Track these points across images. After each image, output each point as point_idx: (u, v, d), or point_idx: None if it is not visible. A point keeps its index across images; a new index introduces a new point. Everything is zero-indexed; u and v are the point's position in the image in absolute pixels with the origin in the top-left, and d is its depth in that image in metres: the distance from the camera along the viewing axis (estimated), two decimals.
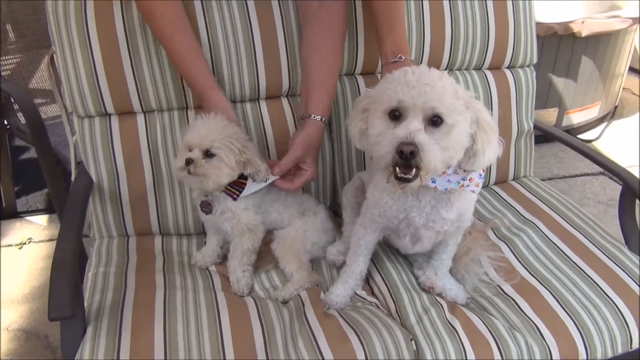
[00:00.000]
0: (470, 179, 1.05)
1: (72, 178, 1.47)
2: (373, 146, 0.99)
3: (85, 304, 1.13)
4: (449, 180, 1.04)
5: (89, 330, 1.06)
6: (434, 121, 0.95)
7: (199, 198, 1.30)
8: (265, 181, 1.28)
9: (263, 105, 1.46)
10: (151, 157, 1.39)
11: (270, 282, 1.32)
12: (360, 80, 1.52)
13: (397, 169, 0.94)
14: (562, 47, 2.83)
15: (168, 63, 1.34)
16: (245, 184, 1.26)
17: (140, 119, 1.39)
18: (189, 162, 1.19)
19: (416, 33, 1.48)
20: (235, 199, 1.25)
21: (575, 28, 2.75)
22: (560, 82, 2.95)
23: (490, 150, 1.01)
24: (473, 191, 1.08)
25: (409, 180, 0.94)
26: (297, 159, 1.31)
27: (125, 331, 1.06)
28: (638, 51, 3.73)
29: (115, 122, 1.37)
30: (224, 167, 1.19)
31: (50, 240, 2.35)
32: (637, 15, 2.90)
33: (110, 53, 1.31)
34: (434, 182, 1.04)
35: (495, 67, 1.61)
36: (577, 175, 2.88)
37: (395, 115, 0.96)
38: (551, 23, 2.71)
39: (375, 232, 1.22)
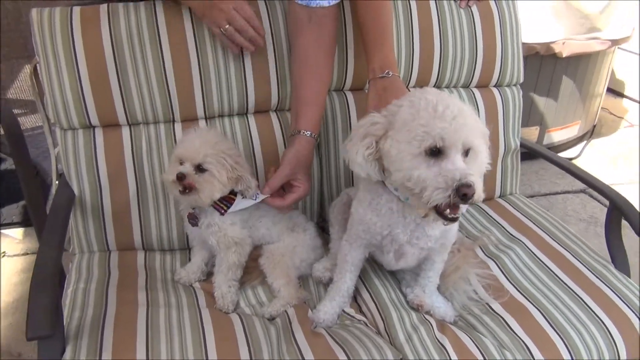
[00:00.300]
0: None
1: (53, 190, 1.43)
2: (407, 182, 0.96)
3: (64, 322, 1.09)
4: None
5: (68, 350, 1.02)
6: (466, 152, 0.95)
7: (185, 210, 1.28)
8: (255, 199, 1.26)
9: (251, 119, 1.45)
10: (136, 171, 1.36)
11: (257, 298, 1.30)
12: (350, 96, 1.51)
13: (448, 210, 0.93)
14: (543, 67, 2.88)
15: (155, 75, 1.32)
16: (234, 200, 1.24)
17: (125, 131, 1.36)
18: (180, 177, 1.16)
19: (405, 50, 1.49)
20: (222, 214, 1.23)
21: (557, 48, 2.80)
22: (541, 101, 2.99)
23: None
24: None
25: (457, 219, 0.95)
26: (286, 176, 1.29)
27: (105, 351, 1.03)
28: (615, 73, 3.83)
29: (99, 134, 1.34)
30: (216, 182, 1.17)
31: (25, 254, 2.29)
32: (616, 37, 2.96)
33: (96, 64, 1.29)
34: None
35: (482, 85, 1.62)
36: (557, 193, 2.91)
37: (433, 151, 0.94)
38: (533, 43, 2.75)
39: (360, 248, 1.20)
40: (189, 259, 1.39)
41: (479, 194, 0.92)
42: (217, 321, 1.14)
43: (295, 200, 1.31)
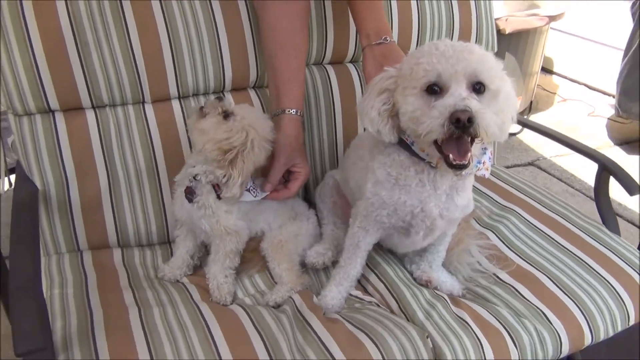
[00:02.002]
0: (483, 163, 1.00)
1: (2, 188, 1.25)
2: (409, 124, 0.91)
3: None
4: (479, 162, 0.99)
5: None
6: (477, 89, 0.88)
7: (182, 182, 1.15)
8: (256, 196, 1.17)
9: (228, 96, 1.33)
10: (105, 158, 1.22)
11: (255, 287, 1.20)
12: (330, 69, 1.43)
13: (450, 156, 0.87)
14: None
15: (121, 52, 1.18)
16: None
17: (90, 115, 1.21)
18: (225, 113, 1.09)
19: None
20: (219, 198, 1.11)
21: (501, 25, 2.85)
22: None
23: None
24: (484, 175, 1.02)
25: (465, 167, 0.88)
26: (283, 166, 1.21)
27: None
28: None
29: (60, 119, 1.19)
30: (251, 165, 1.08)
31: None
32: (553, 14, 3.06)
33: (53, 41, 1.14)
34: None
35: None
36: (508, 167, 2.97)
37: (434, 89, 0.89)
38: None
39: (377, 233, 1.13)
40: (172, 254, 1.26)
41: (488, 124, 0.85)
42: (221, 315, 1.03)
43: (300, 186, 1.24)
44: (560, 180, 2.85)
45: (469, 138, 0.88)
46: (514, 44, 3.05)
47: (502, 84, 0.91)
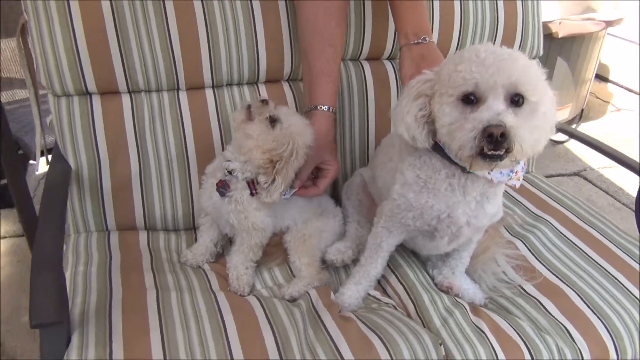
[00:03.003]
0: (516, 172, 0.97)
1: (39, 168, 1.30)
2: (446, 137, 0.88)
3: None
4: (501, 173, 0.95)
5: (74, 338, 0.91)
6: (516, 101, 0.85)
7: (214, 174, 1.16)
8: (285, 195, 1.16)
9: (262, 88, 1.34)
10: (137, 142, 1.24)
11: (274, 279, 1.20)
12: (366, 65, 1.41)
13: (485, 147, 0.83)
14: None
15: (159, 39, 1.20)
16: None
17: (125, 99, 1.24)
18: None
19: None
20: (252, 195, 1.12)
21: (553, 28, 2.75)
22: None
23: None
24: (515, 185, 0.99)
25: (500, 158, 0.84)
26: (312, 164, 1.19)
27: (116, 340, 0.92)
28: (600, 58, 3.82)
29: (97, 102, 1.22)
30: (293, 172, 1.10)
31: (4, 237, 2.12)
32: (610, 19, 2.93)
33: (93, 24, 1.16)
34: (489, 172, 0.95)
35: None
36: (551, 176, 2.88)
37: (470, 99, 0.86)
38: None
39: (401, 235, 1.11)
40: (195, 240, 1.27)
41: (523, 140, 0.82)
42: (236, 306, 1.04)
43: (329, 184, 1.23)
44: (607, 193, 2.73)
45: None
46: (566, 49, 2.94)
47: (543, 97, 0.88)
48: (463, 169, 0.96)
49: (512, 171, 0.96)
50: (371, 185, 1.29)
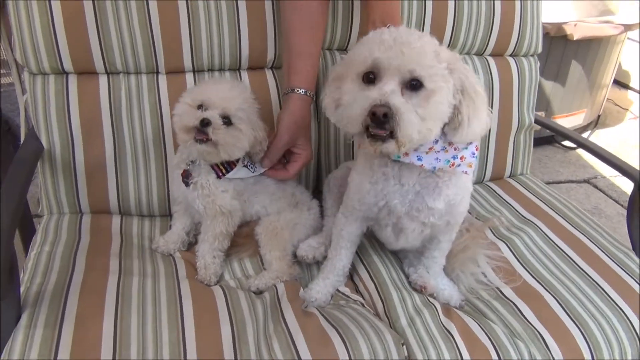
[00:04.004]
0: (461, 158, 0.93)
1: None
2: (343, 111, 0.87)
3: (23, 288, 0.96)
4: (437, 159, 0.92)
5: (24, 318, 0.89)
6: (413, 85, 0.84)
7: (179, 165, 1.14)
8: (253, 172, 1.14)
9: (244, 76, 1.31)
10: (113, 125, 1.22)
11: (243, 271, 1.17)
12: None
13: (369, 126, 0.82)
14: (552, 49, 2.75)
15: (139, 19, 1.18)
16: (235, 165, 1.12)
17: (102, 80, 1.22)
18: (206, 123, 1.02)
19: (417, 5, 1.35)
20: (219, 177, 1.10)
21: (568, 30, 2.66)
22: (548, 85, 2.86)
23: (477, 122, 0.89)
24: (465, 172, 0.95)
25: (382, 139, 0.82)
26: (285, 145, 1.17)
27: (67, 322, 0.90)
28: (621, 64, 3.70)
29: (73, 81, 1.20)
30: (243, 138, 1.05)
31: None
32: (629, 22, 2.83)
33: (71, 2, 1.14)
34: (420, 159, 0.92)
35: (498, 54, 1.48)
36: (561, 182, 2.80)
37: (370, 78, 0.85)
38: (544, 23, 2.61)
39: (356, 222, 1.08)
40: (170, 227, 1.25)
41: (406, 125, 0.80)
42: (197, 294, 1.02)
43: (300, 169, 1.20)
44: (617, 202, 2.65)
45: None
46: (582, 52, 2.85)
47: (441, 84, 0.84)
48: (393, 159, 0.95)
49: (454, 157, 0.93)
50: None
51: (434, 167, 0.93)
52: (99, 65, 1.20)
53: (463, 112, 0.88)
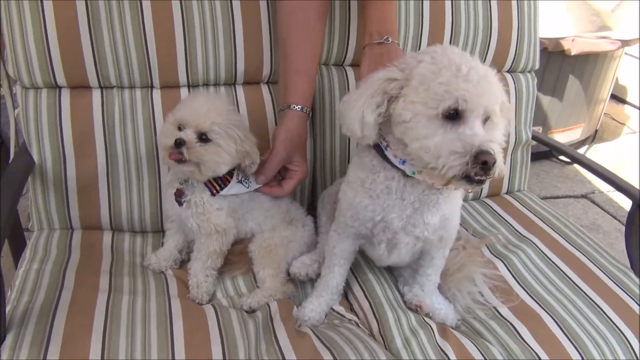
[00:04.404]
0: None
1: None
2: (421, 152, 0.83)
3: (9, 307, 0.94)
4: None
5: (9, 339, 0.87)
6: (484, 120, 0.83)
7: (171, 184, 1.13)
8: (248, 187, 1.13)
9: (240, 91, 1.30)
10: (106, 140, 1.21)
11: (236, 289, 1.15)
12: (350, 72, 1.36)
13: (473, 172, 0.80)
14: (550, 64, 2.75)
15: (133, 33, 1.17)
16: (229, 181, 1.11)
17: (96, 94, 1.21)
18: (179, 143, 1.01)
19: (414, 21, 1.34)
20: (213, 195, 1.09)
21: (566, 45, 2.67)
22: (545, 100, 2.86)
23: None
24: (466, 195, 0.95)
25: (483, 183, 0.82)
26: (281, 161, 1.16)
27: (54, 342, 0.87)
28: (618, 79, 3.71)
29: (66, 96, 1.19)
30: (223, 153, 1.03)
31: None
32: (626, 38, 2.84)
33: (65, 16, 1.13)
34: None
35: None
36: (558, 197, 2.79)
37: (451, 114, 0.81)
38: (542, 38, 2.61)
39: (349, 239, 1.06)
40: (162, 244, 1.23)
41: (501, 167, 0.80)
42: (188, 313, 1.00)
43: (295, 186, 1.19)
44: (614, 217, 2.63)
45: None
46: (579, 67, 2.86)
47: (500, 115, 0.86)
48: (404, 173, 0.93)
49: None
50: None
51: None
52: (92, 79, 1.19)
53: None
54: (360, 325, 1.07)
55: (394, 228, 0.97)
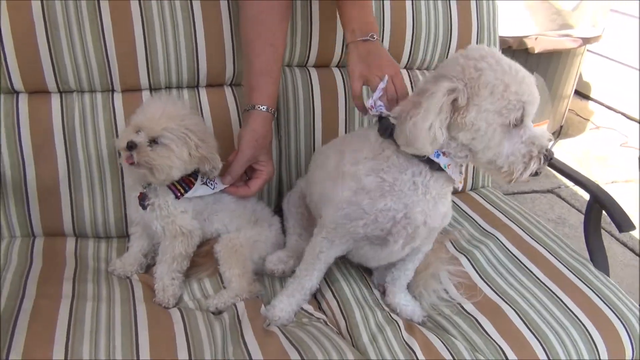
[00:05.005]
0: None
1: None
2: (496, 158, 0.90)
3: None
4: (461, 172, 0.98)
5: None
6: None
7: (134, 188, 1.12)
8: (213, 188, 1.13)
9: (203, 93, 1.29)
10: (66, 145, 1.19)
11: (203, 291, 1.14)
12: (314, 72, 1.37)
13: (532, 164, 0.89)
14: None
15: (92, 36, 1.15)
16: (193, 184, 1.10)
17: (55, 99, 1.19)
18: (131, 146, 1.00)
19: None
20: (178, 198, 1.08)
21: (529, 43, 2.72)
22: None
23: None
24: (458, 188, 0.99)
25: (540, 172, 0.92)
26: (247, 161, 1.16)
27: (14, 352, 0.86)
28: (582, 75, 3.80)
29: (24, 101, 1.17)
30: (174, 158, 1.02)
31: None
32: (587, 36, 2.91)
33: (21, 19, 1.11)
34: (461, 172, 0.99)
35: None
36: (525, 192, 2.84)
37: (517, 119, 0.87)
38: (506, 37, 2.67)
39: (345, 245, 1.05)
40: (127, 248, 1.22)
41: None
42: (154, 318, 0.99)
43: (261, 185, 1.19)
44: (580, 211, 2.69)
45: None
46: (543, 65, 2.92)
47: None
48: (431, 167, 0.95)
49: (460, 173, 0.98)
50: (309, 199, 1.23)
51: (457, 179, 0.99)
52: (51, 84, 1.17)
53: None
54: (328, 323, 1.08)
55: (417, 222, 0.98)
